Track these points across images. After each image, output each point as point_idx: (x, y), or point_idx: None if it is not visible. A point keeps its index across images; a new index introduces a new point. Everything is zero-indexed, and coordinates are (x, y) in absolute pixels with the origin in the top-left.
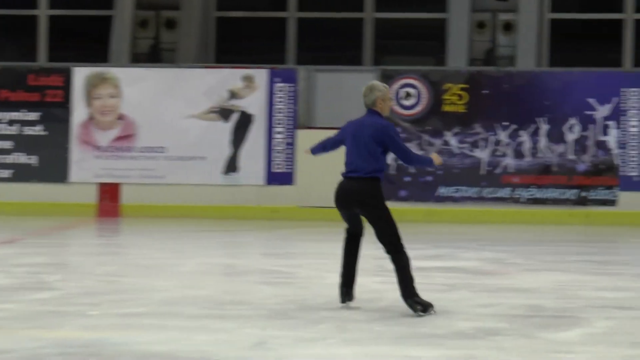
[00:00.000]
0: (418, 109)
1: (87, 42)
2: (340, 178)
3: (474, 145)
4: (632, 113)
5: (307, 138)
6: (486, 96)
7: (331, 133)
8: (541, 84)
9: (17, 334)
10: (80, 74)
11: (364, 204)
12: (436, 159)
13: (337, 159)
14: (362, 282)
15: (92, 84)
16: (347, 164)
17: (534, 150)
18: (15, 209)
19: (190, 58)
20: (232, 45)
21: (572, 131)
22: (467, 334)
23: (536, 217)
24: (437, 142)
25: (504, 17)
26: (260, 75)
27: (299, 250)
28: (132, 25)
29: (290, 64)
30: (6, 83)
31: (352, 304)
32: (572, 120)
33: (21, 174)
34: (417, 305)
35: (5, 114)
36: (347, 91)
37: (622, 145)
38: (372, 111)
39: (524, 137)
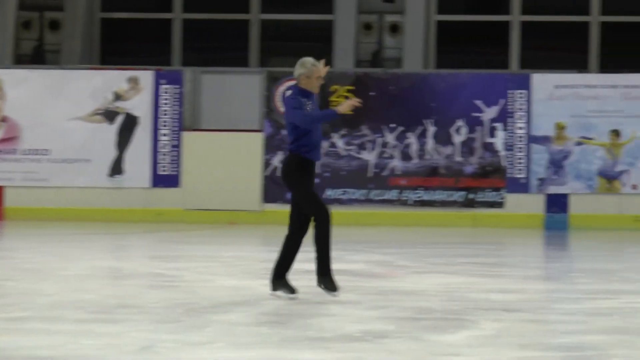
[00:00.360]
0: None
1: None
2: (224, 180)
3: (361, 147)
4: (518, 115)
5: (193, 140)
6: (373, 98)
7: (217, 135)
8: (428, 86)
9: None
10: None
11: (284, 183)
12: (345, 106)
13: (221, 162)
14: (250, 285)
15: None
16: None
17: (421, 152)
18: None
19: (75, 59)
20: (117, 47)
21: (459, 133)
22: (355, 337)
23: (424, 220)
24: (324, 144)
25: (390, 18)
26: (146, 77)
27: (185, 253)
28: (15, 26)
29: (175, 66)
30: None
31: (240, 306)
32: (459, 122)
33: None
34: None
35: None
36: (233, 93)
37: (509, 147)
38: (293, 86)
39: (411, 139)
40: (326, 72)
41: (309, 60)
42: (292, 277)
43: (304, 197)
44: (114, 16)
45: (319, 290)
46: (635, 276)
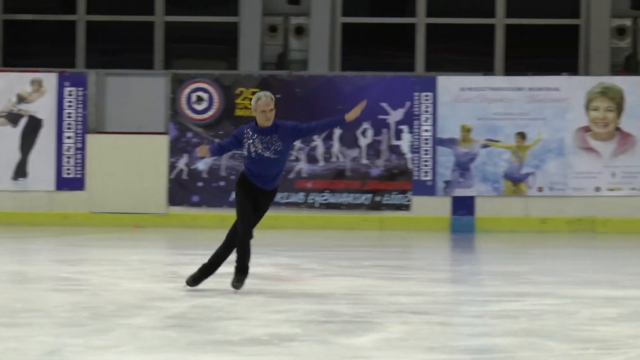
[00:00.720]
0: (210, 113)
1: None
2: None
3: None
4: (424, 117)
5: (97, 143)
6: (279, 100)
7: (122, 138)
8: (334, 88)
9: None
10: None
11: None
12: (353, 113)
13: (126, 165)
14: (155, 289)
15: None
16: None
17: (328, 155)
18: None
19: None
20: (20, 49)
21: (365, 136)
22: (261, 340)
23: (330, 222)
24: None
25: (295, 20)
26: (49, 79)
27: (91, 256)
28: None
29: (79, 68)
30: None
31: (145, 310)
32: (365, 125)
33: None
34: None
35: None
36: (137, 95)
37: (415, 149)
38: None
39: (317, 141)
40: (269, 107)
41: (257, 94)
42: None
43: (237, 210)
44: (17, 18)
45: (226, 293)
46: (541, 278)
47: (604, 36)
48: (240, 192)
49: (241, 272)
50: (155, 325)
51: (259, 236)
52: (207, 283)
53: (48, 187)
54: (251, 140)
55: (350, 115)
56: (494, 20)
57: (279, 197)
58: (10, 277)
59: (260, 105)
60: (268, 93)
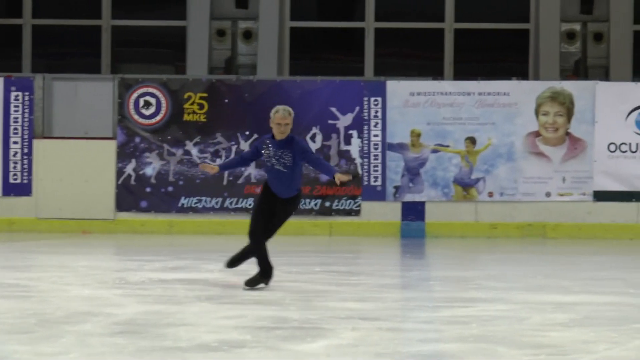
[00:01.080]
0: (158, 118)
1: None
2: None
3: (216, 154)
4: (374, 122)
5: (44, 148)
6: (227, 105)
7: (69, 143)
8: (283, 93)
9: None
10: None
11: None
12: (342, 176)
13: (74, 170)
14: (103, 295)
15: None
16: None
17: None
18: None
19: None
20: None
21: (315, 141)
22: (211, 346)
23: (281, 228)
24: (178, 152)
25: (244, 25)
26: None
27: (38, 262)
28: None
29: (26, 72)
30: None
31: (94, 316)
32: (315, 130)
33: None
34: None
35: None
36: (84, 100)
37: (364, 154)
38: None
39: None
40: (285, 121)
41: (276, 107)
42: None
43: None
44: None
45: (175, 299)
46: (492, 284)
47: (553, 41)
48: (259, 197)
49: (261, 273)
50: (104, 331)
51: (208, 241)
52: (156, 289)
53: None
54: (267, 151)
55: (339, 177)
56: (444, 25)
57: (228, 202)
58: None
59: (277, 118)
60: (287, 107)
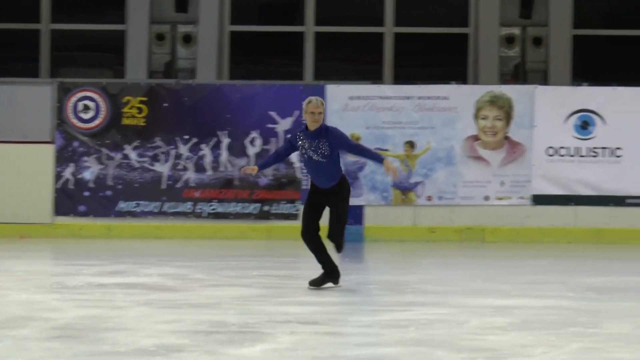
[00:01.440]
0: (97, 122)
1: None
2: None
3: (155, 159)
4: None
5: None
6: (166, 109)
7: (7, 147)
8: (222, 97)
9: None
10: None
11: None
12: (390, 167)
13: (11, 174)
14: (41, 300)
15: None
16: None
17: (215, 164)
18: None
19: None
20: None
21: (254, 145)
22: (149, 351)
23: (218, 232)
24: (117, 155)
25: (183, 29)
26: None
27: None
28: None
29: None
30: None
31: (32, 321)
32: (254, 134)
33: None
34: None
35: None
36: (23, 104)
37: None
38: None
39: (205, 150)
40: (318, 110)
41: (309, 98)
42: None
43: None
44: None
45: (113, 304)
46: (430, 288)
47: (492, 45)
48: (306, 198)
49: (325, 274)
50: (42, 336)
51: (146, 245)
52: (94, 294)
53: None
54: (302, 143)
55: (387, 166)
56: (383, 29)
57: (166, 206)
58: None
59: (310, 107)
60: (319, 98)
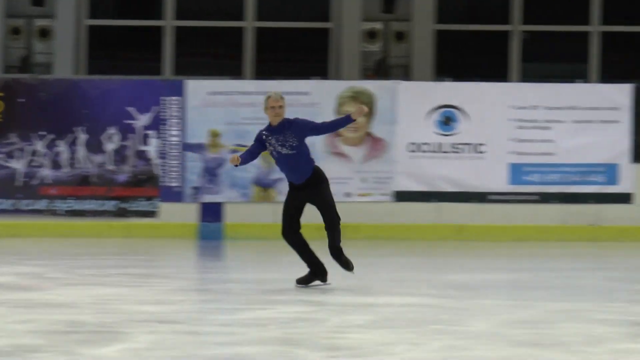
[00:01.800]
0: None
1: None
2: None
3: (10, 155)
4: (172, 122)
5: None
6: (22, 105)
7: None
8: (79, 93)
9: None
10: None
11: None
12: (358, 112)
13: None
14: None
15: None
16: None
17: (72, 160)
18: None
19: None
20: None
21: (112, 141)
22: (4, 351)
23: (75, 230)
24: None
25: (39, 23)
26: None
27: None
28: None
29: None
30: None
31: None
32: (112, 130)
33: None
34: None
35: None
36: None
37: (162, 155)
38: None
39: (62, 147)
40: (278, 104)
41: (267, 93)
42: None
43: None
44: None
45: None
46: (290, 286)
47: (354, 40)
48: (287, 196)
49: (311, 272)
50: None
51: (0, 244)
52: None
53: None
54: (268, 140)
55: (355, 114)
56: (244, 23)
57: (22, 203)
58: None
59: (270, 102)
60: (278, 91)
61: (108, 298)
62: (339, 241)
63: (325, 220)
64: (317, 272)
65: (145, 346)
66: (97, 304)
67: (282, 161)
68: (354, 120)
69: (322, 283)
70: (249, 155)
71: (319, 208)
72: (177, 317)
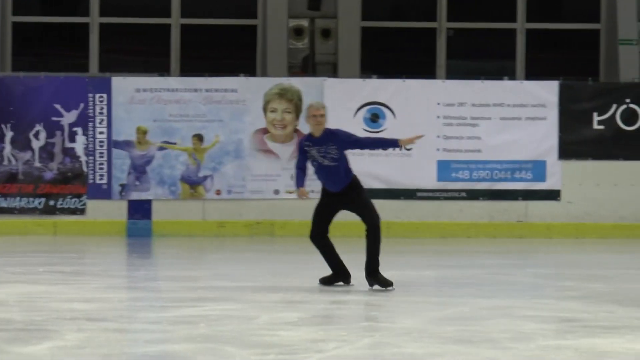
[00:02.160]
0: None
1: None
2: None
3: None
4: (99, 119)
5: None
6: None
7: None
8: (4, 90)
9: None
10: None
11: None
12: (407, 140)
13: None
14: None
15: None
16: None
17: None
18: None
19: None
20: None
21: (38, 138)
22: None
23: (2, 228)
24: None
25: None
26: None
27: None
28: None
29: None
30: None
31: None
32: (38, 127)
33: None
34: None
35: None
36: None
37: (90, 152)
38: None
39: None
40: (319, 112)
41: (310, 102)
42: None
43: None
44: None
45: None
46: (219, 283)
47: (281, 37)
48: (318, 202)
49: (335, 274)
50: None
51: None
52: None
53: None
54: (309, 150)
55: (404, 141)
56: (170, 20)
57: None
58: None
59: (312, 110)
60: (319, 101)
61: (36, 296)
62: (378, 263)
63: (365, 221)
64: (340, 274)
65: (75, 344)
66: (25, 301)
67: (322, 172)
68: (399, 147)
69: (345, 284)
70: (303, 172)
71: (357, 211)
72: (106, 314)
